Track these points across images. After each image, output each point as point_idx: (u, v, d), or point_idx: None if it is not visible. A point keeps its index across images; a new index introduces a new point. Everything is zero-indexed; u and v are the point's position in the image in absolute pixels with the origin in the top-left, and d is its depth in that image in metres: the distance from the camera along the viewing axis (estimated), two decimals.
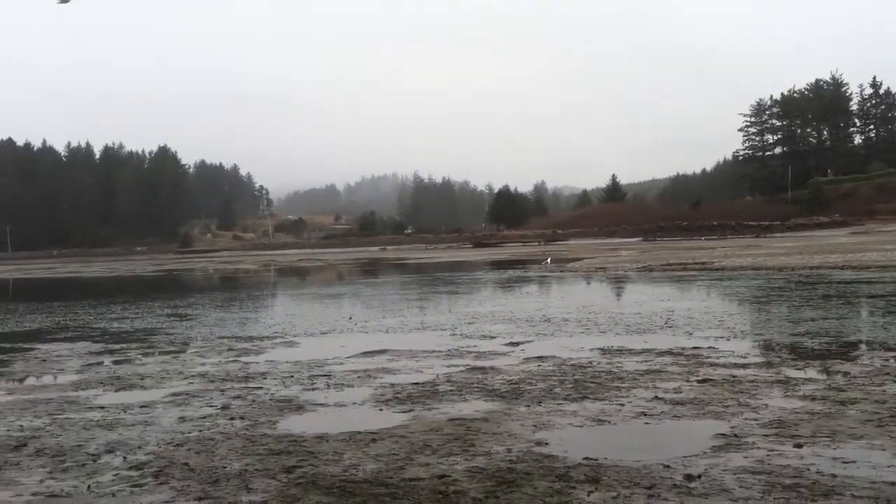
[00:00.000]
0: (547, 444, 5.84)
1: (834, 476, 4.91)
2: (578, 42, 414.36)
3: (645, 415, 6.66)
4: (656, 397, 7.31)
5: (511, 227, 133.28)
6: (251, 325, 15.23)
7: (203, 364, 10.45)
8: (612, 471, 5.10)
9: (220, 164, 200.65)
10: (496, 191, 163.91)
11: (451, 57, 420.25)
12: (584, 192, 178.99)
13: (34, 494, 5.10)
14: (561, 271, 31.11)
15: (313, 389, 8.41)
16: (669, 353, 9.89)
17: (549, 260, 39.39)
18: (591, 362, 9.41)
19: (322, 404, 7.66)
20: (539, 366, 9.30)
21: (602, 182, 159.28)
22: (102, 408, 7.80)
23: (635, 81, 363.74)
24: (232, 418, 7.09)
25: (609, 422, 6.48)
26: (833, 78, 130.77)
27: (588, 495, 4.66)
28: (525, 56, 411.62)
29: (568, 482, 4.91)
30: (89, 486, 5.20)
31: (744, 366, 8.82)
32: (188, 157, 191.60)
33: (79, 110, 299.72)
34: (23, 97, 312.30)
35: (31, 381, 9.77)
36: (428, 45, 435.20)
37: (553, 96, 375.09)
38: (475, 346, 11.17)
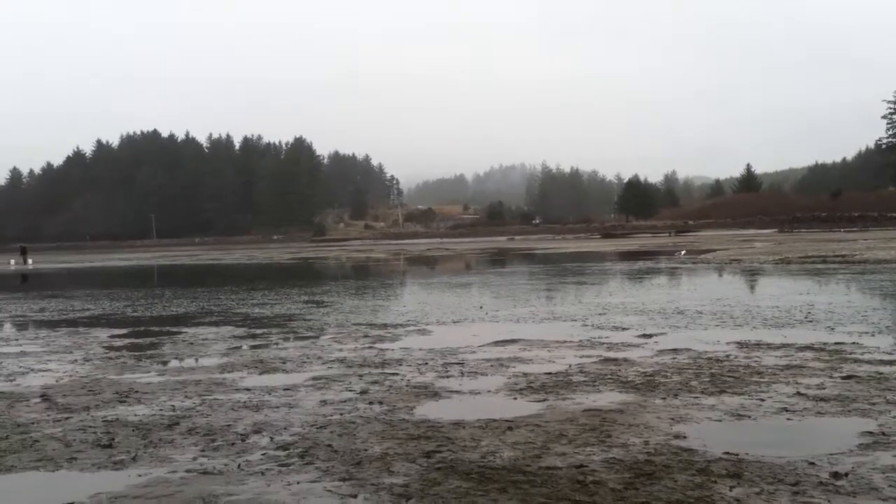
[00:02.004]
0: (685, 437, 5.79)
1: None
2: (712, 26, 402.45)
3: (787, 410, 6.50)
4: (798, 393, 7.12)
5: (640, 218, 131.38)
6: (384, 313, 15.54)
7: (341, 350, 10.75)
8: (753, 466, 5.02)
9: (353, 154, 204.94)
10: (625, 181, 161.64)
11: (584, 46, 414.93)
12: (717, 181, 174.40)
13: (188, 471, 5.38)
14: (693, 263, 30.48)
15: (448, 377, 8.54)
16: (811, 348, 9.60)
17: (683, 252, 38.32)
18: (727, 356, 9.23)
19: (457, 391, 7.78)
20: (674, 358, 9.19)
21: (736, 172, 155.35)
22: (248, 390, 8.15)
23: (772, 66, 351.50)
24: (371, 403, 7.29)
25: (749, 417, 6.35)
26: None
27: (730, 490, 4.60)
28: (658, 43, 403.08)
29: (708, 476, 4.86)
30: (239, 465, 5.45)
31: (890, 362, 8.48)
32: (322, 148, 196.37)
33: (220, 103, 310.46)
34: (167, 91, 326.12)
35: (180, 363, 10.26)
36: (560, 34, 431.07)
37: (686, 84, 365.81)
38: (607, 338, 11.10)
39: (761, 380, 7.77)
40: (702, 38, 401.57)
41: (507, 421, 6.38)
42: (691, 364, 8.77)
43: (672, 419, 6.32)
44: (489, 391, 7.75)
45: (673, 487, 4.67)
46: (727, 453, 5.31)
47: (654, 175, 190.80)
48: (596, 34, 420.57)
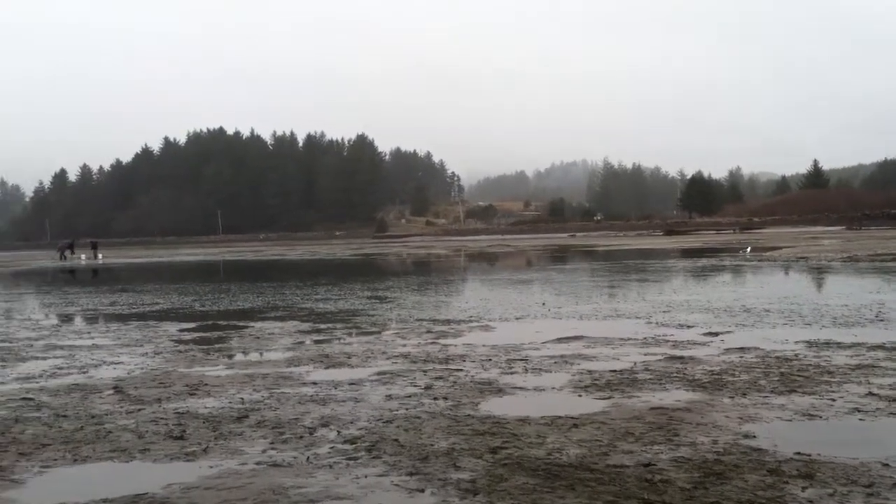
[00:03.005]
0: (754, 436, 5.71)
1: None
2: (776, 17, 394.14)
3: (859, 411, 6.38)
4: (870, 393, 6.97)
5: (703, 214, 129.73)
6: (447, 309, 15.59)
7: (404, 345, 10.82)
8: (826, 467, 4.94)
9: (415, 151, 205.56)
10: (688, 177, 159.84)
11: (642, 39, 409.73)
12: (783, 177, 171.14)
13: (258, 463, 5.47)
14: (759, 260, 29.99)
15: (511, 373, 8.55)
16: (882, 347, 9.39)
17: (748, 249, 37.55)
18: (796, 355, 9.07)
19: (521, 388, 7.78)
20: (741, 357, 9.06)
21: (802, 167, 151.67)
22: (315, 384, 8.25)
23: (840, 57, 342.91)
24: (436, 398, 7.33)
25: (820, 417, 6.25)
26: None
27: (802, 491, 4.53)
28: (721, 35, 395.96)
29: (780, 476, 4.79)
30: (308, 458, 5.53)
31: None
32: (384, 145, 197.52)
33: (283, 100, 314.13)
34: (232, 89, 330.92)
35: (247, 356, 10.44)
36: (618, 27, 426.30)
37: (751, 77, 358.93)
38: (672, 335, 10.99)
39: (832, 379, 7.64)
40: (767, 30, 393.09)
41: (572, 418, 6.37)
42: (759, 363, 8.65)
43: (741, 418, 6.24)
44: (554, 388, 7.74)
45: (743, 487, 4.62)
46: (798, 453, 5.24)
47: (717, 171, 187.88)
48: (658, 25, 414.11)
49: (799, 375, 7.87)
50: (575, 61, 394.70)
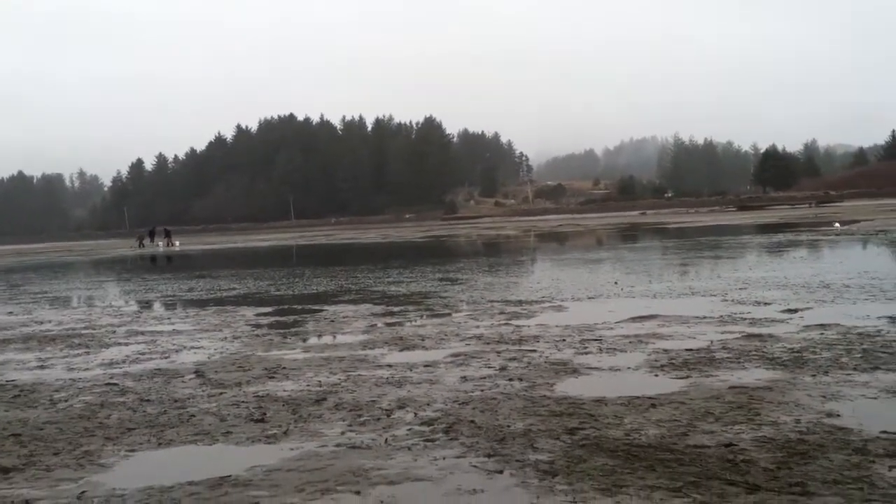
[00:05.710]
0: (839, 415, 5.60)
1: None
2: None
3: None
4: None
5: (778, 189, 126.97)
6: (518, 289, 15.56)
7: (477, 327, 10.83)
8: None
9: (482, 132, 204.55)
10: (762, 151, 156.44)
11: (708, 13, 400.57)
12: (860, 150, 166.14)
13: (337, 445, 5.54)
14: (836, 234, 29.26)
15: (586, 353, 8.51)
16: None
17: (837, 224, 36.27)
18: (879, 331, 8.85)
19: (596, 368, 7.74)
20: (822, 334, 8.87)
21: (881, 139, 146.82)
22: (390, 366, 8.33)
23: None
24: (510, 379, 7.34)
25: None
26: None
27: (889, 470, 4.43)
28: (795, 8, 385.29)
29: (866, 456, 4.68)
30: (386, 440, 5.59)
31: None
32: (452, 127, 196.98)
33: (351, 85, 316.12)
34: (301, 75, 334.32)
35: (323, 339, 10.57)
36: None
37: (822, 46, 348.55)
38: (749, 313, 10.81)
39: None
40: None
41: (649, 398, 6.32)
42: (841, 339, 8.46)
43: (824, 397, 6.12)
44: (629, 368, 7.69)
45: (829, 467, 4.53)
46: (885, 432, 5.11)
47: (792, 144, 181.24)
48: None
49: (883, 352, 7.68)
50: (643, 37, 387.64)
